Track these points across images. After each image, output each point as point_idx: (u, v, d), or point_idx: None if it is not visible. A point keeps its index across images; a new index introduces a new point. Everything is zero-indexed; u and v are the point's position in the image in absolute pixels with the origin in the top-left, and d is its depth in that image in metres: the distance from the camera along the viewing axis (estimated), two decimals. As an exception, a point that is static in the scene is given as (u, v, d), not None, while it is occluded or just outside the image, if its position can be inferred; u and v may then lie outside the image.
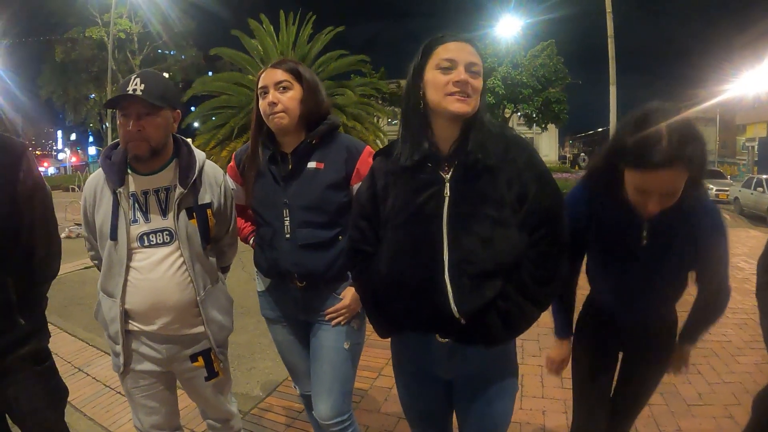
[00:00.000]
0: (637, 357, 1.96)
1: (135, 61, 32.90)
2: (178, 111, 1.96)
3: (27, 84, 36.43)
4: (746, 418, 3.01)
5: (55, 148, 63.90)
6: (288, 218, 2.02)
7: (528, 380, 3.64)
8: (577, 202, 1.81)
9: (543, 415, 3.20)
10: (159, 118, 1.85)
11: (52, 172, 51.79)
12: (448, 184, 1.54)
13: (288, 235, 2.02)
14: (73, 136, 56.15)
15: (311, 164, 2.04)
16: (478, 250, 1.48)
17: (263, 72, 2.05)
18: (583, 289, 2.04)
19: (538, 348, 4.15)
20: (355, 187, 2.04)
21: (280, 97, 1.97)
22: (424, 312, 1.55)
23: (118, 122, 1.86)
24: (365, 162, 2.05)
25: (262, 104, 2.01)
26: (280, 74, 2.00)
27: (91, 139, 52.97)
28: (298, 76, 2.03)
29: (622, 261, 1.79)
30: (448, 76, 1.48)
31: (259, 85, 2.03)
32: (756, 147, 29.30)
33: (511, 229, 1.50)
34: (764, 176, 15.94)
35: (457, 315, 1.49)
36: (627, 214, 1.67)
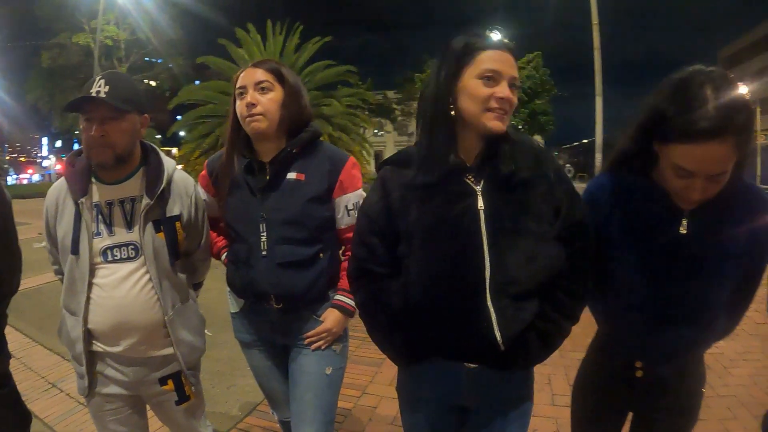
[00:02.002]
0: (657, 416, 1.64)
1: (122, 68, 32.62)
2: (146, 115, 1.83)
3: (13, 89, 36.24)
4: (743, 433, 2.99)
5: (40, 154, 63.40)
6: (265, 233, 1.87)
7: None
8: (599, 188, 1.59)
9: (534, 434, 3.09)
10: (124, 123, 1.71)
11: (37, 179, 51.36)
12: (480, 196, 1.42)
13: (264, 252, 1.87)
14: (58, 143, 55.55)
15: (291, 175, 1.89)
16: (523, 269, 1.38)
17: (242, 71, 1.91)
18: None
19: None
20: (337, 200, 1.92)
21: (259, 98, 1.84)
22: (463, 340, 1.45)
23: (80, 127, 1.73)
24: (349, 174, 1.92)
25: (240, 105, 1.87)
26: (260, 74, 1.86)
27: (76, 146, 52.40)
28: (279, 77, 1.89)
29: (656, 258, 1.45)
30: (491, 89, 1.37)
31: (238, 85, 1.89)
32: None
33: (551, 243, 1.42)
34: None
35: (500, 341, 1.39)
36: (662, 204, 1.41)
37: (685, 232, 1.40)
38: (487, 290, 1.38)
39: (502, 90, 1.36)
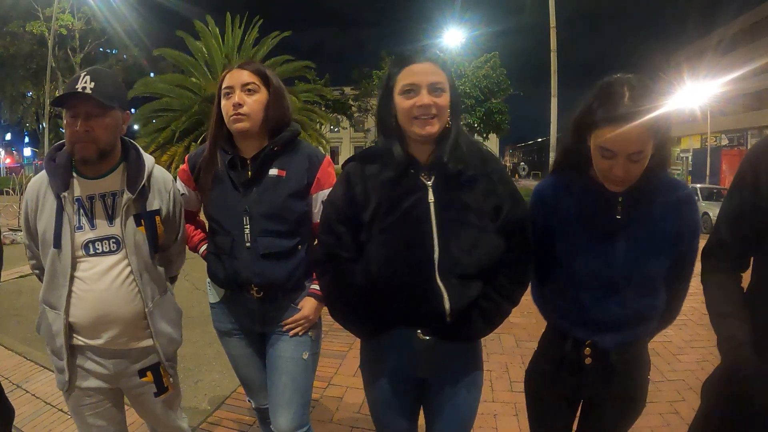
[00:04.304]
0: (606, 403, 1.78)
1: (75, 59, 31.69)
2: (128, 112, 1.87)
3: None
4: (691, 413, 3.15)
5: (-12, 147, 60.68)
6: (248, 226, 1.95)
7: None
8: (545, 187, 1.80)
9: (494, 419, 3.24)
10: (108, 119, 1.75)
11: (-15, 173, 49.26)
12: (431, 191, 1.62)
13: (248, 244, 1.96)
14: (8, 136, 53.23)
15: (273, 171, 1.98)
16: (465, 254, 1.58)
17: (228, 72, 1.98)
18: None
19: (486, 353, 4.20)
20: (314, 196, 2.02)
21: (246, 99, 1.92)
22: (415, 310, 1.62)
23: (64, 122, 1.76)
24: (325, 171, 2.03)
25: (226, 105, 1.94)
26: (246, 75, 1.95)
27: (27, 139, 50.60)
28: (265, 79, 1.98)
29: (598, 241, 1.66)
30: (411, 101, 1.57)
31: (224, 85, 1.96)
32: (690, 158, 30.97)
33: (491, 235, 1.62)
34: (698, 185, 17.26)
35: (448, 312, 1.59)
36: (598, 191, 1.63)
37: (620, 217, 1.63)
38: (436, 270, 1.58)
39: (421, 98, 1.56)
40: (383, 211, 1.62)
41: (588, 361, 1.71)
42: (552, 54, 15.98)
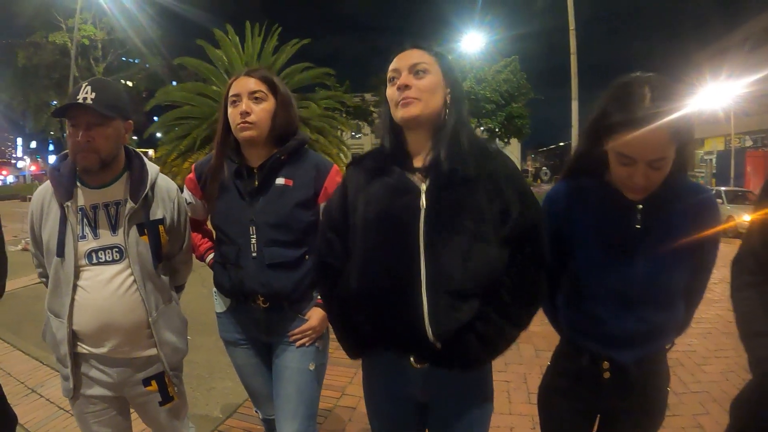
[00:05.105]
0: (624, 416, 1.68)
1: (98, 68, 32.26)
2: (131, 121, 1.87)
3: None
4: (715, 427, 3.06)
5: (14, 155, 62.10)
6: (254, 236, 1.93)
7: (494, 396, 3.58)
8: (557, 193, 1.69)
9: (511, 432, 3.15)
10: (110, 129, 1.76)
11: (11, 180, 50.37)
12: (423, 195, 1.47)
13: (254, 254, 1.93)
14: (33, 144, 54.43)
15: (279, 181, 1.96)
16: (457, 265, 1.42)
17: (235, 79, 1.96)
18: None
19: (504, 363, 4.12)
20: (322, 205, 1.96)
21: (253, 107, 1.90)
22: (397, 331, 1.49)
23: (67, 132, 1.77)
24: (333, 181, 1.99)
25: (233, 112, 1.92)
26: (254, 83, 1.92)
27: (51, 147, 51.61)
28: (272, 87, 1.96)
29: (615, 252, 1.54)
30: (394, 85, 1.53)
31: (231, 93, 1.94)
32: (714, 160, 30.38)
33: (491, 245, 1.44)
34: (723, 188, 16.97)
35: (431, 338, 1.43)
36: (616, 199, 1.51)
37: (639, 227, 1.51)
38: (423, 285, 1.42)
39: (401, 80, 1.52)
40: (369, 216, 1.52)
41: (606, 375, 1.62)
42: (572, 57, 15.83)
